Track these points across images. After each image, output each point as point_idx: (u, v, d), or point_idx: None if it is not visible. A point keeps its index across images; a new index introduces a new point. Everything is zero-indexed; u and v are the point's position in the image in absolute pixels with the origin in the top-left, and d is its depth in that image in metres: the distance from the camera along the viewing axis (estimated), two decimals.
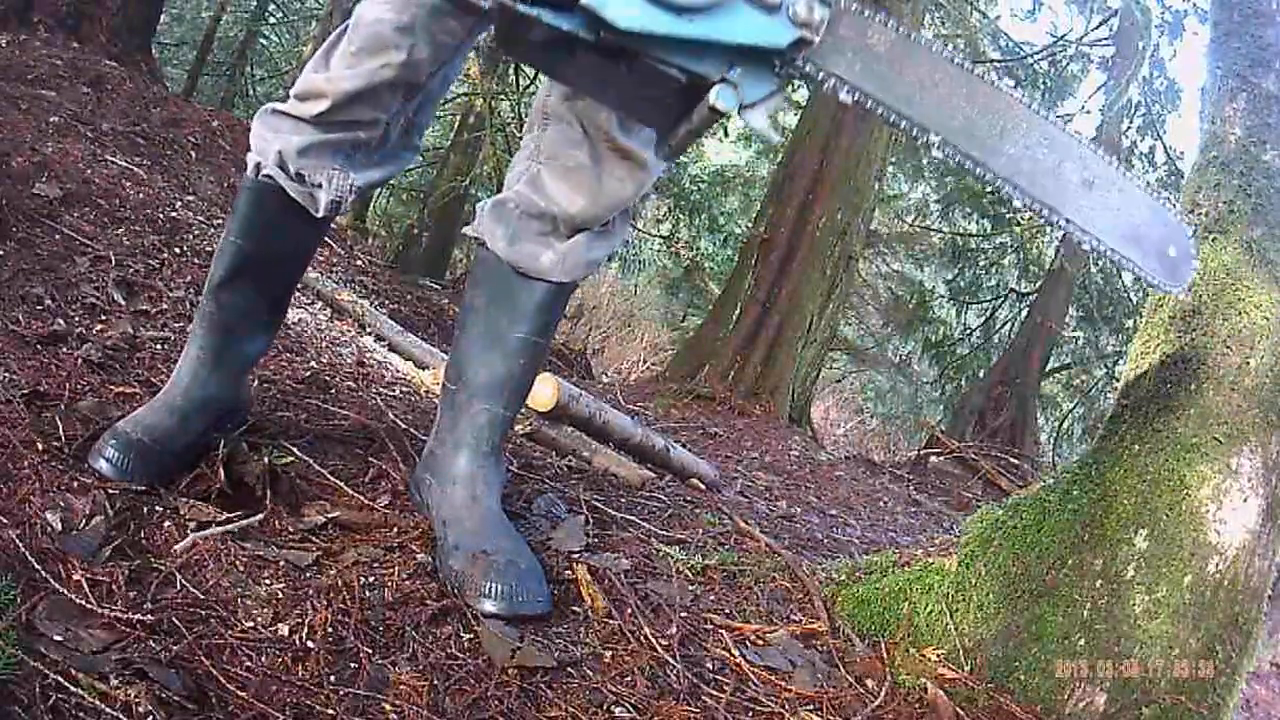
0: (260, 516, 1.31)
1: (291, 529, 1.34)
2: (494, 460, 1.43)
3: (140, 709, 0.88)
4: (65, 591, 1.01)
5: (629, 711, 1.13)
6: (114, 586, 1.06)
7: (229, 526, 1.25)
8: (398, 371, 2.44)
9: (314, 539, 1.34)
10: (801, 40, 0.90)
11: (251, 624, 1.09)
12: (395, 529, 1.43)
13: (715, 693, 1.23)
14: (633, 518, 1.83)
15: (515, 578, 1.25)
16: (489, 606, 1.22)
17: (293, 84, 1.39)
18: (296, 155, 1.35)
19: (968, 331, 9.97)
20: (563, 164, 1.37)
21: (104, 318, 1.75)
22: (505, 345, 1.40)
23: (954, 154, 1.00)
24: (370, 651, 1.10)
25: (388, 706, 1.02)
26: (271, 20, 10.81)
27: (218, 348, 1.42)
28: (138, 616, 1.01)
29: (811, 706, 1.27)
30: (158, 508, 1.26)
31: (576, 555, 1.47)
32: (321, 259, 3.12)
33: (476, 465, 1.40)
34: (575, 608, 1.34)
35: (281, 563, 1.23)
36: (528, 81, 8.07)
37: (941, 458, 5.63)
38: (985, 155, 1.01)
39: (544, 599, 1.27)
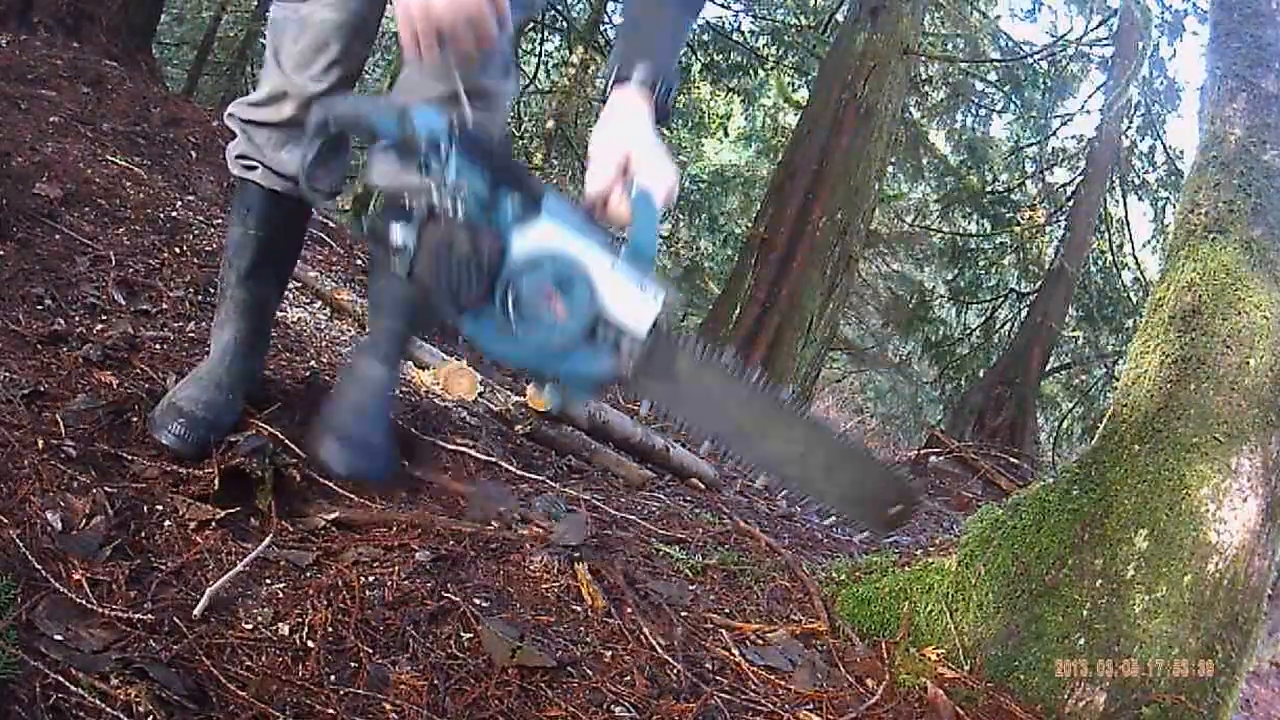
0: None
1: (291, 529, 1.34)
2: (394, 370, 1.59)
3: (140, 709, 0.88)
4: (65, 591, 1.01)
5: (629, 711, 1.13)
6: (114, 586, 1.06)
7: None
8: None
9: (314, 539, 1.34)
10: (619, 377, 1.13)
11: (251, 624, 1.09)
12: (395, 528, 1.43)
13: (715, 692, 1.23)
14: (633, 517, 1.83)
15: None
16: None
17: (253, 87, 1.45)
18: (286, 166, 1.43)
19: (968, 331, 9.96)
20: (424, 96, 1.42)
21: (104, 318, 1.75)
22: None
23: (721, 455, 1.15)
24: (370, 651, 1.10)
25: (388, 706, 1.02)
26: None
27: (255, 328, 1.55)
28: (138, 616, 1.01)
29: (811, 706, 1.27)
30: (158, 507, 1.26)
31: (577, 554, 1.47)
32: (321, 259, 3.11)
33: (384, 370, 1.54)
34: (575, 607, 1.34)
35: (282, 563, 1.23)
36: (527, 81, 8.07)
37: (941, 458, 5.62)
38: (746, 452, 1.21)
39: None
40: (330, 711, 0.98)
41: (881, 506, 1.38)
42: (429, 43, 1.10)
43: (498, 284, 1.08)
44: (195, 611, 1.07)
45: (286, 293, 2.57)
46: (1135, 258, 9.28)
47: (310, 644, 1.08)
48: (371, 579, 1.25)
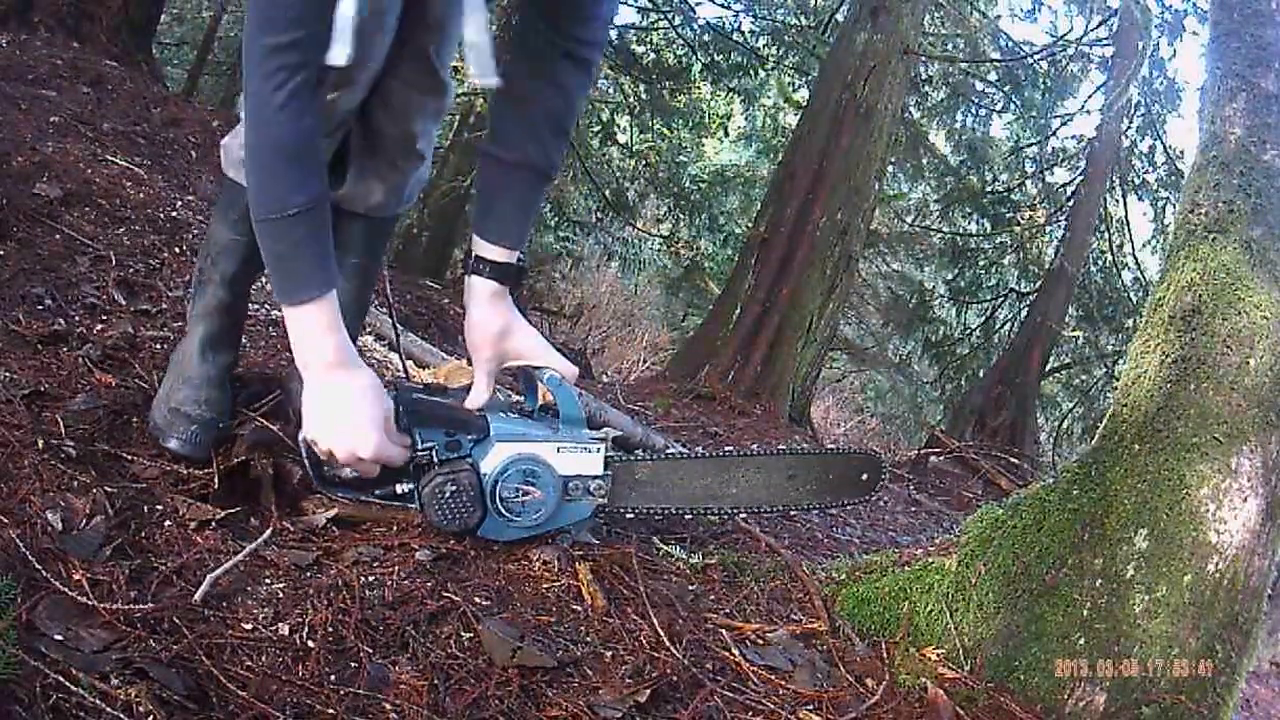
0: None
1: (292, 529, 1.34)
2: None
3: (140, 709, 0.88)
4: (66, 591, 1.01)
5: (629, 711, 1.13)
6: (114, 586, 1.06)
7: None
8: (398, 371, 2.43)
9: (314, 539, 1.34)
10: (601, 507, 1.49)
11: (251, 624, 1.09)
12: (395, 527, 1.43)
13: (715, 691, 1.23)
14: (632, 517, 1.83)
15: None
16: (348, 472, 1.39)
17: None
18: None
19: (968, 331, 9.94)
20: (380, 93, 1.46)
21: (104, 318, 1.75)
22: (341, 271, 1.53)
23: (706, 514, 1.64)
24: (370, 651, 1.10)
25: (388, 706, 1.02)
26: None
27: (234, 321, 1.58)
28: (138, 616, 1.01)
29: (811, 706, 1.27)
30: (158, 507, 1.26)
31: (578, 553, 1.47)
32: None
33: None
34: (575, 607, 1.34)
35: (282, 563, 1.23)
36: None
37: (941, 458, 5.61)
38: (724, 501, 1.60)
39: None
40: (330, 711, 0.98)
41: (854, 477, 1.71)
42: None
43: (486, 500, 1.37)
44: (195, 597, 1.07)
45: None
46: (1135, 258, 9.26)
47: (310, 644, 1.08)
48: (371, 579, 1.25)
